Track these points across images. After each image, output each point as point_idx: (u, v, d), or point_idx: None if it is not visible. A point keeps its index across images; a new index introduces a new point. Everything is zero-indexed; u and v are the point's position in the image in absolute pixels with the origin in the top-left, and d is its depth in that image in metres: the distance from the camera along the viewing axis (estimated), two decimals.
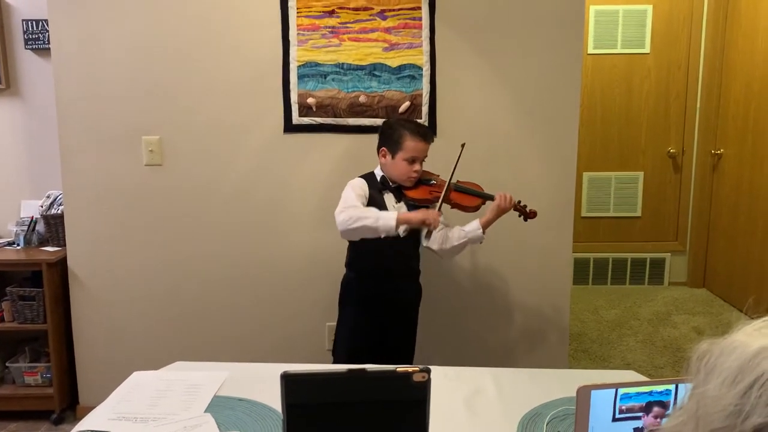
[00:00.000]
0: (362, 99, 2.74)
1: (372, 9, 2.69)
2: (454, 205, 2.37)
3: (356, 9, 2.69)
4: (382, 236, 2.20)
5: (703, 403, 0.65)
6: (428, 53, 2.72)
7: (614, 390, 1.24)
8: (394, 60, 2.71)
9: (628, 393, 1.24)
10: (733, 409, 0.62)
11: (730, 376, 0.63)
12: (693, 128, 4.63)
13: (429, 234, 2.34)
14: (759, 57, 3.98)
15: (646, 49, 4.54)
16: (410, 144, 2.27)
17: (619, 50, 4.54)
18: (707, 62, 4.50)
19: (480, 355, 2.94)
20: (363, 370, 1.18)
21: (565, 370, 2.79)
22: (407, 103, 2.74)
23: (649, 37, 4.53)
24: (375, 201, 2.31)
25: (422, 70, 2.72)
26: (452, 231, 2.39)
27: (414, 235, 2.36)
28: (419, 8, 2.69)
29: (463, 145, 2.32)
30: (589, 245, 4.72)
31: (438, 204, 2.27)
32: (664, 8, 4.51)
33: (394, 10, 2.69)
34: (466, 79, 2.75)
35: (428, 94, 2.74)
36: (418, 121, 2.72)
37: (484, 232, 2.34)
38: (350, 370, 1.17)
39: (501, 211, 2.32)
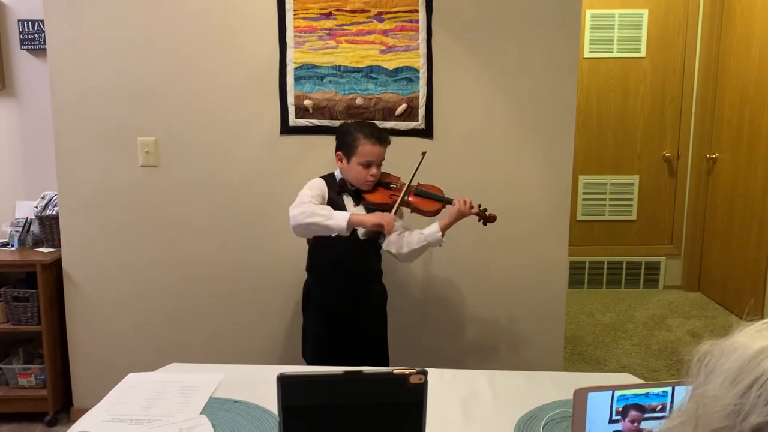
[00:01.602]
0: (359, 101, 2.74)
1: (369, 11, 2.69)
2: (414, 209, 2.35)
3: (353, 11, 2.69)
4: (333, 235, 2.17)
5: (702, 403, 0.65)
6: (425, 56, 2.72)
7: (611, 392, 1.24)
8: (391, 62, 2.71)
9: (625, 395, 1.24)
10: (732, 408, 0.62)
11: (730, 377, 0.63)
12: (688, 132, 4.65)
13: (384, 237, 2.30)
14: (754, 62, 4.00)
15: (642, 53, 4.56)
16: (365, 148, 2.24)
17: (614, 54, 4.56)
18: (702, 66, 4.52)
19: (475, 357, 2.93)
20: (360, 372, 1.18)
21: (561, 372, 2.79)
22: (404, 106, 2.74)
23: (644, 41, 4.54)
24: (333, 203, 2.29)
25: (419, 72, 2.72)
26: (411, 234, 2.35)
27: (373, 236, 2.33)
28: (416, 11, 2.69)
29: (423, 154, 2.31)
30: (585, 249, 4.73)
31: (394, 208, 2.25)
32: (659, 13, 4.53)
33: (391, 12, 2.69)
34: (462, 81, 2.75)
35: (425, 97, 2.74)
36: (415, 123, 2.73)
37: (443, 236, 2.32)
38: (347, 372, 1.17)
39: (461, 215, 2.29)
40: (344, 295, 2.35)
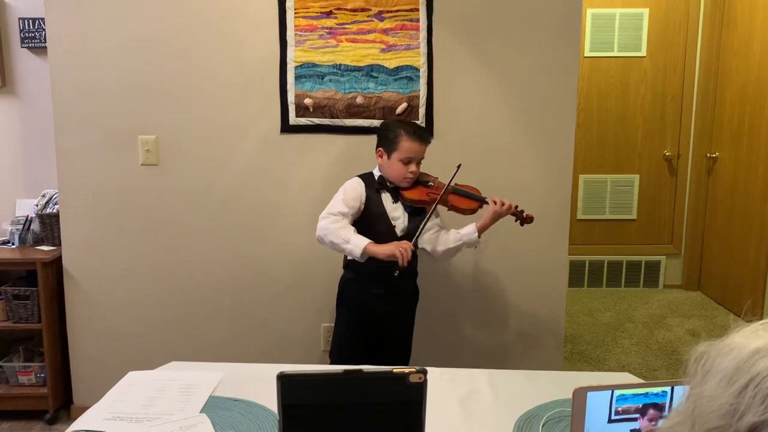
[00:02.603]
0: (359, 100, 2.74)
1: (369, 10, 2.69)
2: (451, 208, 2.37)
3: (354, 10, 2.69)
4: (348, 258, 2.27)
5: (699, 403, 0.66)
6: (425, 55, 2.72)
7: (610, 391, 1.24)
8: (391, 61, 2.71)
9: (624, 395, 1.25)
10: (728, 408, 0.62)
11: (727, 377, 0.64)
12: (688, 131, 4.65)
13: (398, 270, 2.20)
14: (754, 61, 3.99)
15: (643, 53, 4.56)
16: (406, 144, 2.27)
17: (615, 53, 4.56)
18: (703, 66, 4.52)
19: (475, 356, 2.94)
20: (359, 370, 1.18)
21: (561, 371, 2.79)
22: (404, 105, 2.74)
23: (645, 41, 4.54)
24: (372, 201, 2.31)
25: (419, 71, 2.72)
26: (448, 233, 2.39)
27: (410, 234, 2.35)
28: (417, 10, 2.69)
29: (458, 166, 2.31)
30: (585, 248, 4.73)
31: (420, 228, 2.26)
32: (660, 12, 4.53)
33: (391, 11, 2.69)
34: (463, 81, 2.76)
35: (425, 96, 2.74)
36: (416, 122, 2.72)
37: (479, 237, 2.34)
38: (346, 371, 1.17)
39: (498, 216, 2.32)
40: (380, 292, 2.36)
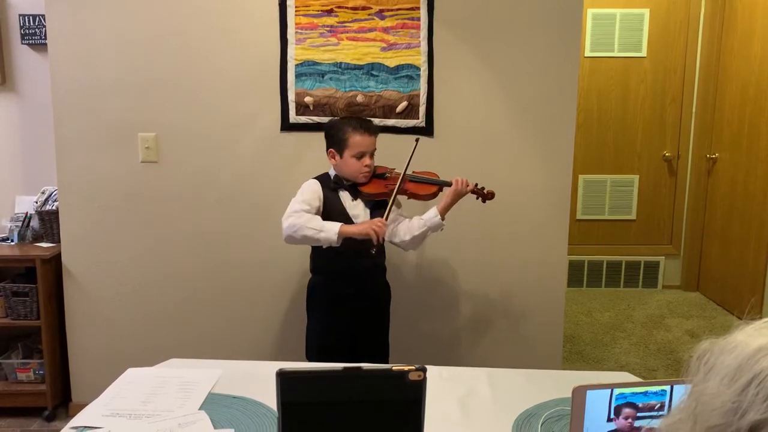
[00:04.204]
0: (360, 98, 2.73)
1: (370, 8, 2.69)
2: (411, 195, 2.37)
3: (354, 8, 2.69)
4: (324, 247, 2.21)
5: (701, 400, 0.66)
6: (426, 53, 2.72)
7: (610, 390, 1.24)
8: (391, 60, 2.71)
9: (624, 393, 1.25)
10: (730, 406, 0.62)
11: (729, 374, 0.64)
12: (688, 132, 4.65)
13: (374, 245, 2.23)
14: (754, 62, 4.00)
15: (643, 53, 4.56)
16: (356, 139, 2.27)
17: (615, 53, 4.56)
18: (703, 67, 4.52)
19: (474, 355, 2.94)
20: (359, 368, 1.18)
21: (560, 370, 2.79)
22: (404, 103, 2.74)
23: (645, 41, 4.54)
24: (330, 201, 2.30)
25: (420, 70, 2.72)
26: (411, 221, 2.36)
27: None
28: (417, 8, 2.69)
29: (417, 140, 2.32)
30: (584, 248, 4.72)
31: (386, 212, 2.24)
32: (661, 12, 4.53)
33: (392, 9, 2.69)
34: (463, 80, 2.75)
35: (426, 95, 2.74)
36: (416, 121, 2.73)
37: (443, 219, 2.31)
38: (346, 369, 1.17)
39: (458, 195, 2.29)
40: (348, 293, 2.35)
